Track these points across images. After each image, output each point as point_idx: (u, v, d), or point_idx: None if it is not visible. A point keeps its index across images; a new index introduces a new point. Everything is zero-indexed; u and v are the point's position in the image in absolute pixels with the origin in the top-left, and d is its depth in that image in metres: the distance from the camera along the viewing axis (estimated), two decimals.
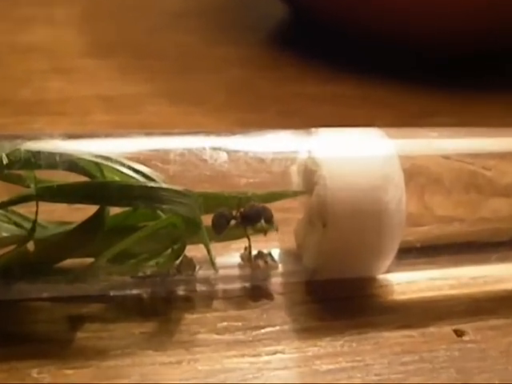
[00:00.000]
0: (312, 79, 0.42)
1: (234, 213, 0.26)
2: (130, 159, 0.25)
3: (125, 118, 0.37)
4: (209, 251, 0.26)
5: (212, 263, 0.27)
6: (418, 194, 0.27)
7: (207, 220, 0.26)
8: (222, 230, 0.26)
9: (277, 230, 0.27)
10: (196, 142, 0.27)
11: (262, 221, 0.26)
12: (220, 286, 0.28)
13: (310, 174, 0.27)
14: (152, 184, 0.25)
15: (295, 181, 0.28)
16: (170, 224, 0.26)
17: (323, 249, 0.27)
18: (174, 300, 0.27)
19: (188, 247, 0.26)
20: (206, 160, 0.26)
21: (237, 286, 0.28)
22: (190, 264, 0.27)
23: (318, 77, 0.42)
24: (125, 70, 0.42)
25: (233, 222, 0.26)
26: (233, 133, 0.28)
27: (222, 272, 0.27)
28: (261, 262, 0.28)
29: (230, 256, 0.28)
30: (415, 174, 0.27)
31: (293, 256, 0.28)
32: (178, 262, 0.27)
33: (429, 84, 0.41)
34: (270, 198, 0.27)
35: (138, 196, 0.24)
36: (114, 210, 0.25)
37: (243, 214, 0.26)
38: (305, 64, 0.43)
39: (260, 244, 0.28)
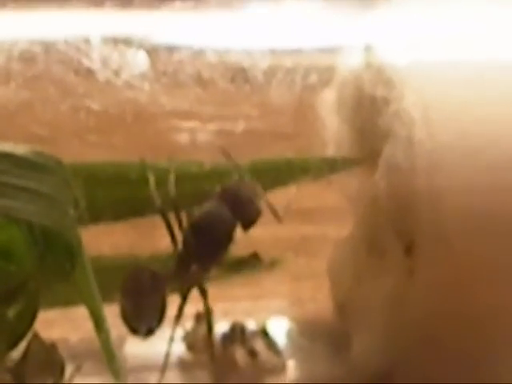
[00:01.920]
0: None
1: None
2: None
3: None
4: (99, 325, 0.16)
5: (108, 357, 0.16)
6: None
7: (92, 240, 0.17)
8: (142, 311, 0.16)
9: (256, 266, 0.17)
10: (68, 23, 0.17)
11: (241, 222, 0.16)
12: None
13: (371, 109, 0.16)
14: None
15: (331, 128, 0.16)
16: None
17: (409, 315, 0.17)
18: None
19: (44, 316, 0.16)
20: (92, 72, 0.16)
21: None
22: (49, 358, 0.16)
23: None
24: None
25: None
26: None
27: (140, 377, 0.17)
28: (239, 354, 0.17)
29: (160, 338, 0.17)
30: None
31: (326, 335, 0.17)
32: (18, 352, 0.17)
33: None
34: (262, 181, 0.16)
35: None
36: None
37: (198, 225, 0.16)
38: None
39: (239, 304, 0.17)
